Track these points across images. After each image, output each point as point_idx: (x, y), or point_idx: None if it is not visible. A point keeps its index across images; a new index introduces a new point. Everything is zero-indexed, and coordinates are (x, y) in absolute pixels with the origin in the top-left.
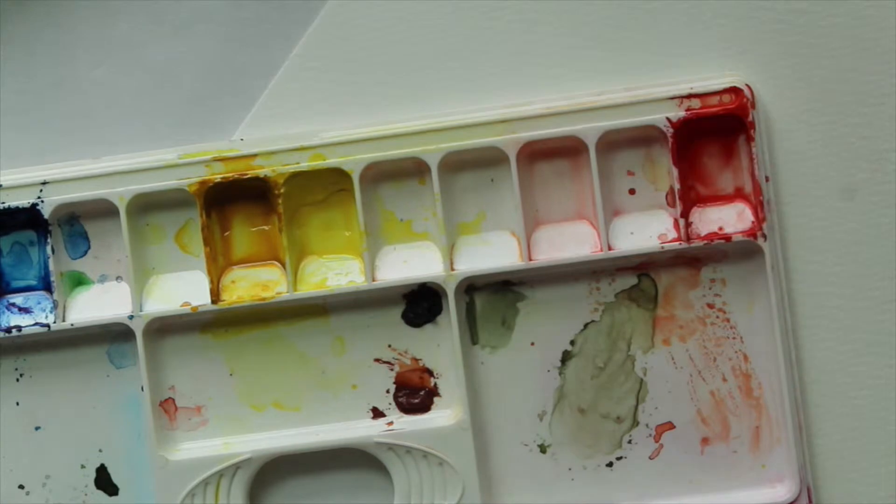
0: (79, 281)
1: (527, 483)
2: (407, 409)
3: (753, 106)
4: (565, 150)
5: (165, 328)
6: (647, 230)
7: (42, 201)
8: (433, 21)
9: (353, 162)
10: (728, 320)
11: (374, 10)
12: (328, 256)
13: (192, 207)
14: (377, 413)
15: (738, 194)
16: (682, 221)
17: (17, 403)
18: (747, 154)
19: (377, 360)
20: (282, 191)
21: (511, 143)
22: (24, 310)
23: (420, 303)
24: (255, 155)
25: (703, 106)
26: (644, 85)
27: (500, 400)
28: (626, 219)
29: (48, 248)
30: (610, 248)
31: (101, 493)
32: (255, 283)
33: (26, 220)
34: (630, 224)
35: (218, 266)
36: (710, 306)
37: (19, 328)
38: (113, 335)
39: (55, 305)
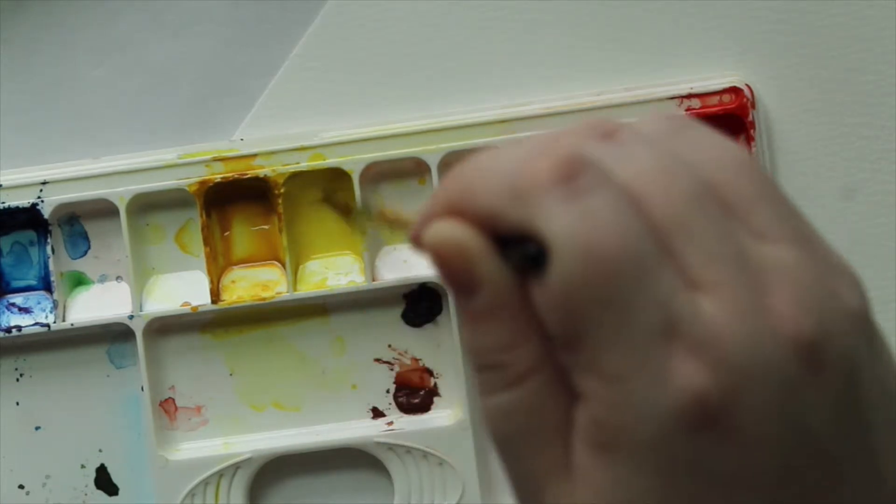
0: (79, 281)
1: None
2: (407, 409)
3: (753, 106)
4: None
5: (165, 328)
6: None
7: (42, 201)
8: (433, 21)
9: (353, 162)
10: None
11: (374, 10)
12: (328, 256)
13: (192, 207)
14: (377, 413)
15: None
16: None
17: (17, 403)
18: None
19: (377, 360)
20: (282, 191)
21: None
22: (24, 310)
23: (420, 303)
24: (255, 155)
25: (703, 106)
26: (644, 85)
27: None
28: None
29: (48, 248)
30: None
31: (101, 493)
32: (255, 283)
33: (26, 220)
34: None
35: (218, 266)
36: None
37: (19, 328)
38: (113, 335)
39: (55, 305)
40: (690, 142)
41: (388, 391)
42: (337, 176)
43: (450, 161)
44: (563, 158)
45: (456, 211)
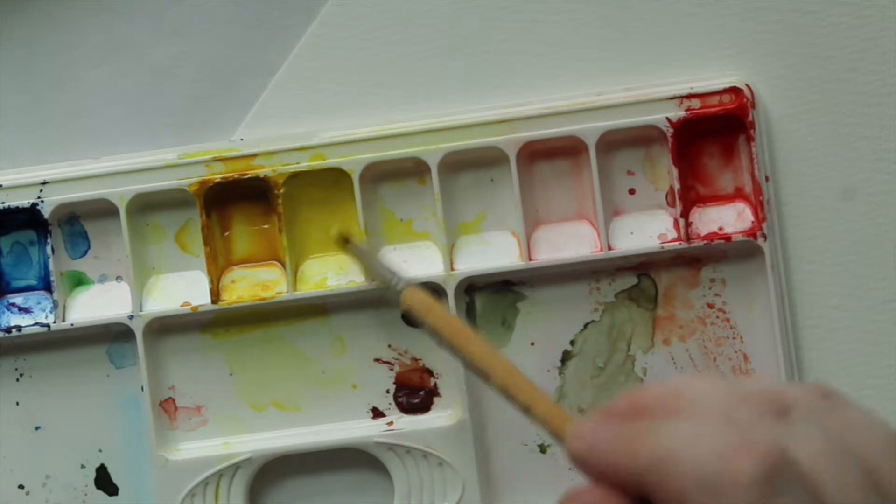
0: (79, 281)
1: (527, 483)
2: (407, 409)
3: (753, 106)
4: (565, 150)
5: (165, 328)
6: (647, 230)
7: (42, 201)
8: (433, 21)
9: (353, 162)
10: (728, 320)
11: (374, 10)
12: (328, 256)
13: (192, 207)
14: (377, 413)
15: (738, 194)
16: (682, 221)
17: (17, 403)
18: (747, 154)
19: (377, 360)
20: (282, 191)
21: (511, 143)
22: (24, 310)
23: None
24: (255, 155)
25: (703, 106)
26: (644, 85)
27: (500, 400)
28: (626, 219)
29: (48, 248)
30: (610, 248)
31: (101, 493)
32: (255, 283)
33: (26, 220)
34: (630, 224)
35: (218, 266)
36: (710, 306)
37: (19, 328)
38: (113, 335)
39: (55, 305)
40: (848, 423)
41: (388, 391)
42: (337, 176)
43: (450, 161)
44: (765, 459)
45: (638, 484)
